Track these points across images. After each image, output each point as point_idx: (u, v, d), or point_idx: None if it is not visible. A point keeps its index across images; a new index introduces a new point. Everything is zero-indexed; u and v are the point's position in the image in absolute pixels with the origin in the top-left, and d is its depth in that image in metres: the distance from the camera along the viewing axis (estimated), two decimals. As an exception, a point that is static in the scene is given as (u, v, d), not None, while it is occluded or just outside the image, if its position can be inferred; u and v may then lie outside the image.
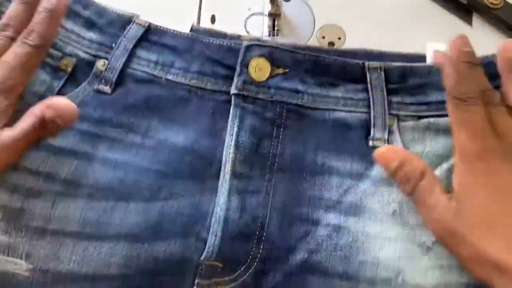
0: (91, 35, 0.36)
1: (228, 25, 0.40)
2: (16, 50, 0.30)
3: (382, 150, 0.31)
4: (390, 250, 0.32)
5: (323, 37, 0.40)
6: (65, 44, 0.36)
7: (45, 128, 0.29)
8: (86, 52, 0.36)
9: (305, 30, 0.40)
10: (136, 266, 0.31)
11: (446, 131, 0.35)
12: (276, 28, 0.39)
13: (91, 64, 0.36)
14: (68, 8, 0.36)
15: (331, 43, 0.40)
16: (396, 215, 0.32)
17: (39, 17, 0.31)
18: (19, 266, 0.31)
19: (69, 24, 0.36)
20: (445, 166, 0.34)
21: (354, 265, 0.31)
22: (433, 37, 0.40)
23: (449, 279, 0.31)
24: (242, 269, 0.32)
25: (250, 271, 0.32)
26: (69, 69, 0.35)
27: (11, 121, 0.30)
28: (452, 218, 0.28)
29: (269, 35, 0.39)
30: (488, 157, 0.28)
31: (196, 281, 0.31)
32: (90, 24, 0.36)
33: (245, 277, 0.32)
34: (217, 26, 0.40)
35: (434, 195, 0.29)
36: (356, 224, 0.32)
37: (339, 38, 0.40)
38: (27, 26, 0.31)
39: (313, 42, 0.40)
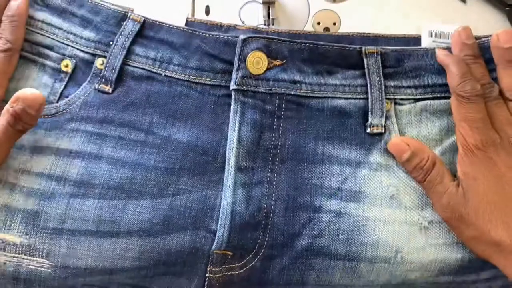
0: (88, 33, 0.36)
1: (223, 15, 0.40)
2: None
3: (395, 140, 0.34)
4: (389, 231, 0.34)
5: (318, 23, 0.40)
6: (64, 46, 0.36)
7: (20, 121, 0.32)
8: (85, 52, 0.36)
9: (300, 17, 0.40)
10: (150, 259, 0.33)
11: (442, 112, 0.36)
12: (271, 16, 0.39)
13: (90, 63, 0.36)
14: (64, 9, 0.36)
15: (327, 29, 0.40)
16: (394, 198, 0.34)
17: (3, 24, 0.35)
18: (41, 264, 0.33)
19: (65, 25, 0.36)
20: (438, 149, 0.35)
21: (355, 247, 0.33)
22: (428, 16, 0.40)
23: (445, 255, 0.34)
24: (251, 255, 0.34)
25: (258, 257, 0.34)
26: (70, 70, 0.36)
27: None
28: (459, 204, 0.32)
29: (264, 24, 0.39)
30: (487, 150, 0.32)
31: (208, 269, 0.33)
32: (86, 23, 0.36)
33: (254, 262, 0.34)
34: (211, 17, 0.40)
35: (443, 183, 0.33)
36: (357, 210, 0.34)
37: (334, 24, 0.40)
38: None
39: (309, 28, 0.40)
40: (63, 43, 0.36)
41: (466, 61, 0.34)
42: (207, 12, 0.40)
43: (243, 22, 0.40)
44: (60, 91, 0.36)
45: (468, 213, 0.31)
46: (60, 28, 0.36)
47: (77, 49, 0.36)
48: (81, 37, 0.36)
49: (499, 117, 0.33)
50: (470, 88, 0.32)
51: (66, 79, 0.36)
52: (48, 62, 0.36)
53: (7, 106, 0.32)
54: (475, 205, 0.31)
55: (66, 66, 0.36)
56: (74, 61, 0.36)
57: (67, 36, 0.36)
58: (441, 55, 0.35)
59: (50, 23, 0.36)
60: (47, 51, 0.36)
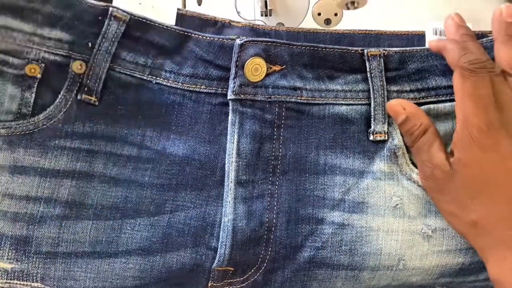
0: (58, 33, 0.31)
1: (217, 5, 0.36)
2: None
3: (393, 102, 0.32)
4: (392, 241, 0.34)
5: (319, 14, 0.37)
6: (27, 50, 0.31)
7: None
8: (56, 54, 0.31)
9: (300, 7, 0.36)
10: (150, 277, 0.32)
11: (446, 116, 0.35)
12: (268, 7, 0.35)
13: (64, 66, 0.32)
14: (22, 7, 0.30)
15: (328, 20, 0.37)
16: (397, 208, 0.34)
17: None
18: (36, 288, 0.31)
19: (27, 27, 0.31)
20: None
21: (358, 257, 0.33)
22: (434, 12, 0.38)
23: (447, 261, 0.34)
24: (253, 270, 0.33)
25: (260, 271, 0.33)
26: (39, 75, 0.31)
27: None
28: (444, 178, 0.31)
29: (262, 15, 0.36)
30: (490, 131, 0.29)
31: (209, 284, 0.33)
32: (54, 20, 0.31)
33: (255, 276, 0.33)
34: (204, 7, 0.36)
35: (431, 151, 0.31)
36: (360, 221, 0.33)
37: (336, 15, 0.37)
38: None
39: (309, 19, 0.37)
40: (25, 46, 0.31)
41: (463, 39, 0.31)
42: (199, 3, 0.36)
43: (238, 13, 0.36)
44: (32, 101, 0.31)
45: (450, 190, 0.31)
46: (20, 31, 0.31)
47: (45, 51, 0.31)
48: (49, 38, 0.31)
49: (502, 94, 0.30)
50: (474, 58, 0.29)
51: (35, 86, 0.31)
52: (7, 69, 0.31)
53: None
54: (461, 187, 0.30)
55: (33, 71, 0.31)
56: (43, 64, 0.31)
57: (29, 38, 0.31)
58: (433, 42, 0.32)
59: (4, 25, 0.30)
60: (4, 57, 0.31)
